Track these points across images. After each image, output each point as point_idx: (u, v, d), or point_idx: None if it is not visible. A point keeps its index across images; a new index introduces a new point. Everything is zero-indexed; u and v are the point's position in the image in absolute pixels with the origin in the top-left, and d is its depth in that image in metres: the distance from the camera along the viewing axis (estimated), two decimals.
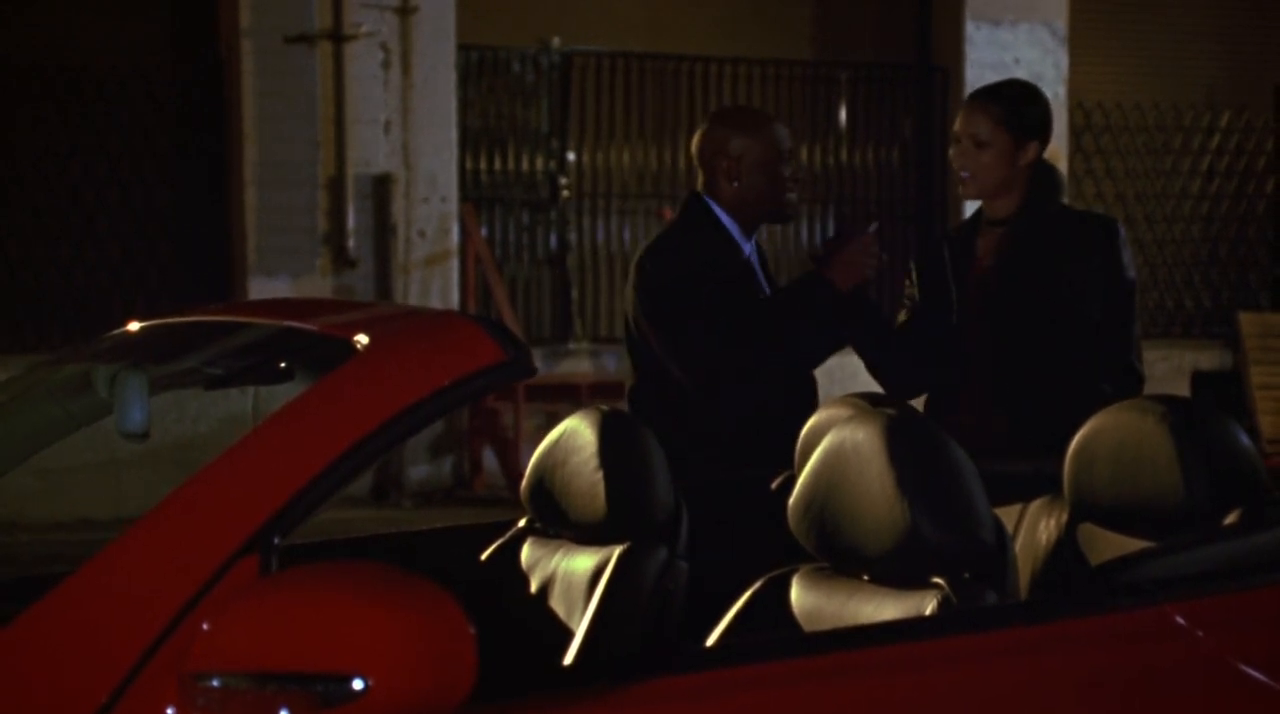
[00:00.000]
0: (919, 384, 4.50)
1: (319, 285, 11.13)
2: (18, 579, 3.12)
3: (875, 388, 4.59)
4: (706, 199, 4.54)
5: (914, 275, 4.55)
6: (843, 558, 2.84)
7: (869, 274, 4.46)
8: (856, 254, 4.43)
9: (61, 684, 2.27)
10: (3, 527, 9.21)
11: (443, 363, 2.56)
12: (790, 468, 3.84)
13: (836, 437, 2.86)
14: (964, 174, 4.41)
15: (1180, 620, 2.65)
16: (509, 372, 2.60)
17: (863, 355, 4.54)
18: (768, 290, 4.56)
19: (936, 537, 2.69)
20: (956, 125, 4.44)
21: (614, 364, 12.13)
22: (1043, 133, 4.49)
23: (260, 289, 10.98)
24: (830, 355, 4.55)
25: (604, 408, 3.36)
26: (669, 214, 11.98)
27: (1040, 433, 4.12)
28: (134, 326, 3.19)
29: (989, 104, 4.41)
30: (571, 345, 12.19)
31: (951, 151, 4.47)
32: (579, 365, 12.12)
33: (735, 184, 4.49)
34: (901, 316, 4.55)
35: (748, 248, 4.55)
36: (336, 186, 11.21)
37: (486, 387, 2.58)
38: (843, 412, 3.76)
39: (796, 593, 2.91)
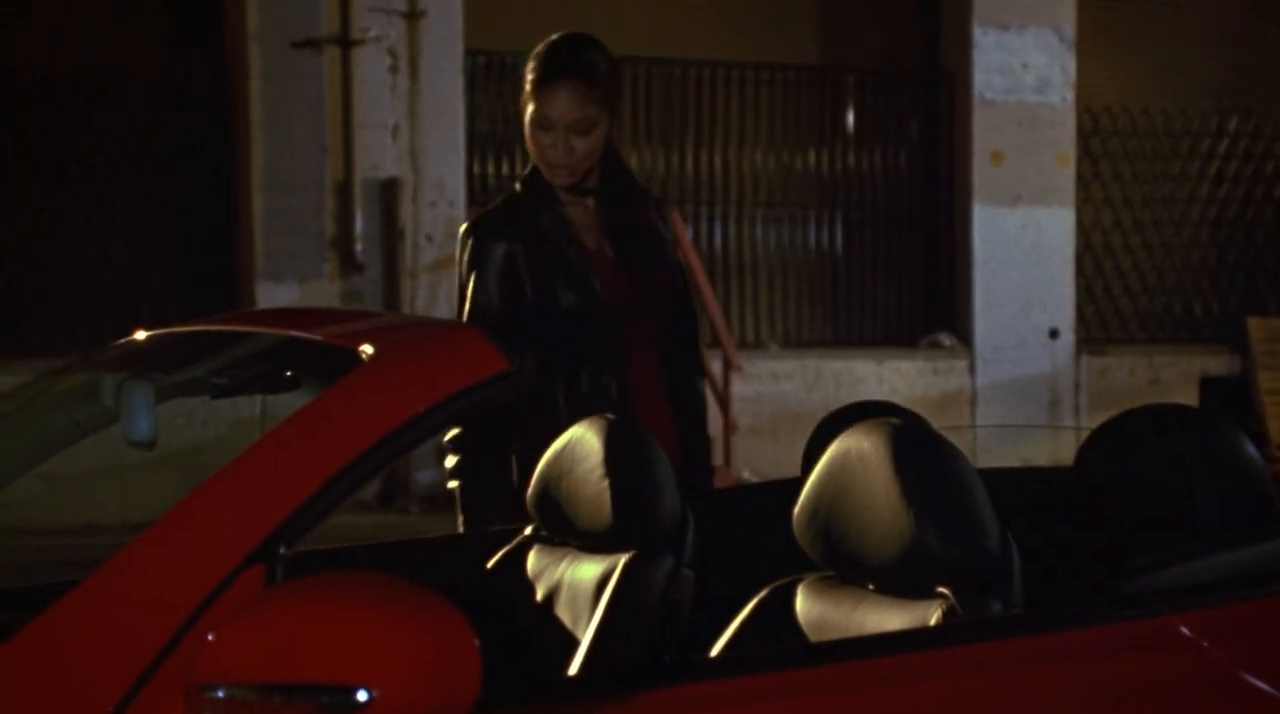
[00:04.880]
0: None
1: (327, 290, 11.14)
2: (24, 588, 3.12)
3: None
4: None
5: (487, 272, 4.01)
6: (848, 567, 2.84)
7: None
8: None
9: (67, 695, 2.28)
10: (9, 532, 9.23)
11: (448, 373, 2.57)
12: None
13: (842, 445, 2.86)
14: (565, 162, 3.99)
15: (1185, 631, 2.65)
16: (515, 382, 2.60)
17: None
18: None
19: (942, 547, 2.69)
20: (545, 109, 3.97)
21: None
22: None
23: (268, 294, 10.99)
24: None
25: (610, 416, 3.36)
26: (678, 218, 11.99)
27: (695, 419, 4.10)
28: (140, 336, 3.20)
29: (588, 83, 3.99)
30: None
31: (544, 139, 3.99)
32: None
33: None
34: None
35: None
36: (344, 191, 11.23)
37: (492, 397, 2.58)
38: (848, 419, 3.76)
39: (801, 602, 2.90)
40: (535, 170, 4.09)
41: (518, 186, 4.15)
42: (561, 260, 4.04)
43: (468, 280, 4.06)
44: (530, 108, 4.02)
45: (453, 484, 4.08)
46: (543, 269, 4.02)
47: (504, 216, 4.09)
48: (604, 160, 4.08)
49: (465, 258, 4.07)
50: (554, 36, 4.16)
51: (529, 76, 4.05)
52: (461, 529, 4.04)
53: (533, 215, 4.06)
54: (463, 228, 4.16)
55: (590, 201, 4.11)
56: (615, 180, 4.13)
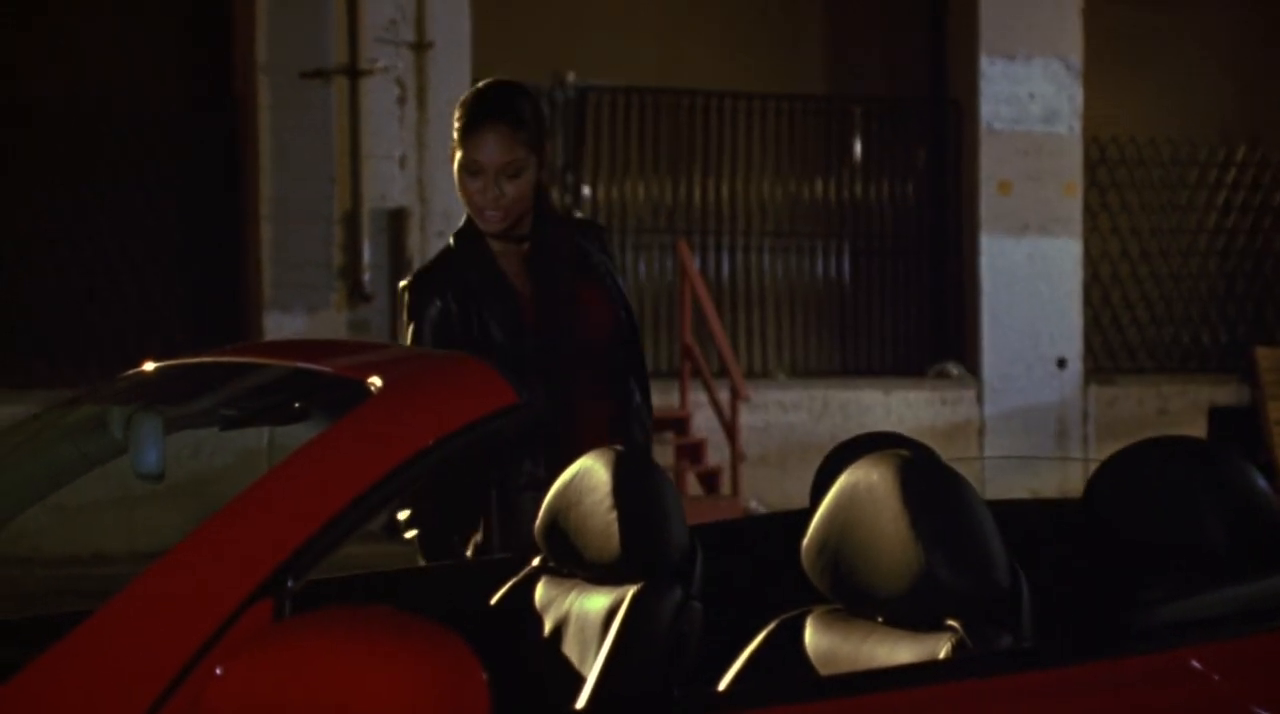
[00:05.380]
0: None
1: (334, 320, 11.15)
2: (31, 620, 3.12)
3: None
4: None
5: (423, 330, 4.03)
6: (857, 600, 2.83)
7: None
8: None
9: None
10: (19, 562, 9.24)
11: (457, 405, 2.57)
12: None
13: (850, 477, 2.85)
14: (495, 206, 4.00)
15: (1195, 664, 2.64)
16: (523, 414, 2.60)
17: None
18: None
19: (951, 579, 2.69)
20: (474, 154, 4.00)
21: None
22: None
23: (276, 324, 11.00)
24: None
25: (618, 447, 3.36)
26: (685, 248, 12.00)
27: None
28: (149, 367, 3.20)
29: (514, 127, 4.01)
30: None
31: (473, 184, 4.01)
32: None
33: None
34: None
35: None
36: (352, 221, 11.25)
37: (500, 429, 2.58)
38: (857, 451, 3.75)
39: (810, 635, 2.90)
40: (469, 222, 4.12)
41: (451, 241, 4.19)
42: (495, 310, 4.06)
43: (408, 339, 4.11)
44: (459, 154, 4.05)
45: (410, 534, 4.10)
46: (476, 320, 4.05)
47: (437, 272, 4.12)
48: (536, 206, 4.10)
49: (405, 316, 4.13)
50: (479, 84, 4.22)
51: (456, 125, 4.09)
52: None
53: (465, 269, 4.10)
54: (402, 284, 4.21)
55: (525, 246, 4.13)
56: (547, 225, 4.15)
